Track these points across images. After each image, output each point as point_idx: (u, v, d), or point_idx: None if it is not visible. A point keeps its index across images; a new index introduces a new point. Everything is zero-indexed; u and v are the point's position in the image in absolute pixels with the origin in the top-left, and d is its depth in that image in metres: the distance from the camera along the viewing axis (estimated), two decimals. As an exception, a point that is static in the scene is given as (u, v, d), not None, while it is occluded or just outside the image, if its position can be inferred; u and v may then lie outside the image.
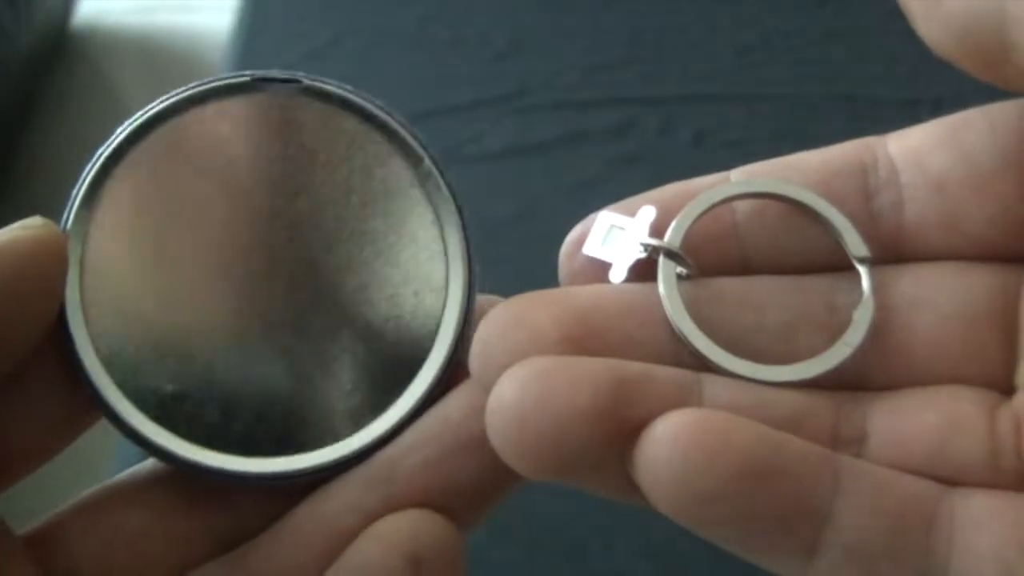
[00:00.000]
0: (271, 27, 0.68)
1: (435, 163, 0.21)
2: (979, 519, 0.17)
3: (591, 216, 0.21)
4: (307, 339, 0.21)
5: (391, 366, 0.21)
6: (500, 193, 0.58)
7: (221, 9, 0.76)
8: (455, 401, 0.21)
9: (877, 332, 0.19)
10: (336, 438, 0.21)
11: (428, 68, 0.64)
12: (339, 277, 0.21)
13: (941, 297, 0.20)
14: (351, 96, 0.21)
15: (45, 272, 0.20)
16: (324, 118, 0.21)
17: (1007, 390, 0.19)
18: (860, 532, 0.17)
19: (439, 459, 0.20)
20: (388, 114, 0.21)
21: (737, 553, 0.18)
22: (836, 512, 0.17)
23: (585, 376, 0.18)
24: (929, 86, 0.55)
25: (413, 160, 0.21)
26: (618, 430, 0.17)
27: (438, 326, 0.21)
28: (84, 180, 0.21)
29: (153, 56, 1.02)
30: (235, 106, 0.21)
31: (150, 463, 0.22)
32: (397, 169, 0.22)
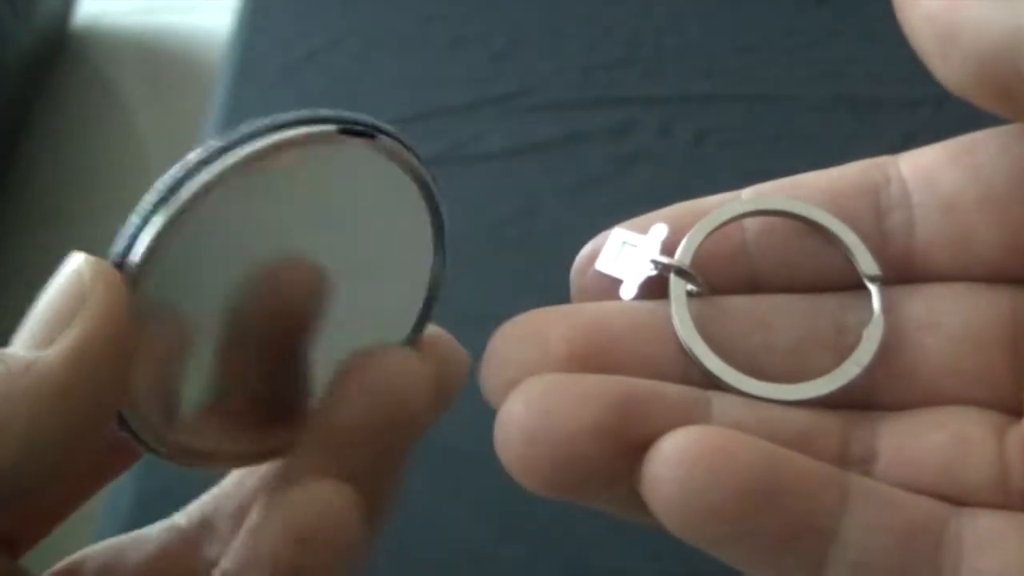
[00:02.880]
0: (271, 27, 0.68)
1: (436, 202, 0.20)
2: (986, 539, 0.17)
3: (604, 233, 0.21)
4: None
5: None
6: (500, 193, 0.58)
7: (221, 9, 0.76)
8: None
9: (886, 352, 0.19)
10: None
11: (428, 68, 0.64)
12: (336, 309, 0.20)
13: (951, 318, 0.20)
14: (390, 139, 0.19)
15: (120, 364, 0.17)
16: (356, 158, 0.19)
17: (1016, 412, 0.19)
18: (867, 550, 0.17)
19: None
20: (408, 148, 0.20)
21: (745, 570, 0.18)
22: (843, 530, 0.17)
23: (591, 393, 0.18)
24: (929, 86, 0.55)
25: (423, 189, 0.20)
26: (625, 447, 0.17)
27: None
28: (134, 240, 0.18)
29: (153, 56, 1.02)
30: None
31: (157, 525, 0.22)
32: (404, 195, 0.20)
